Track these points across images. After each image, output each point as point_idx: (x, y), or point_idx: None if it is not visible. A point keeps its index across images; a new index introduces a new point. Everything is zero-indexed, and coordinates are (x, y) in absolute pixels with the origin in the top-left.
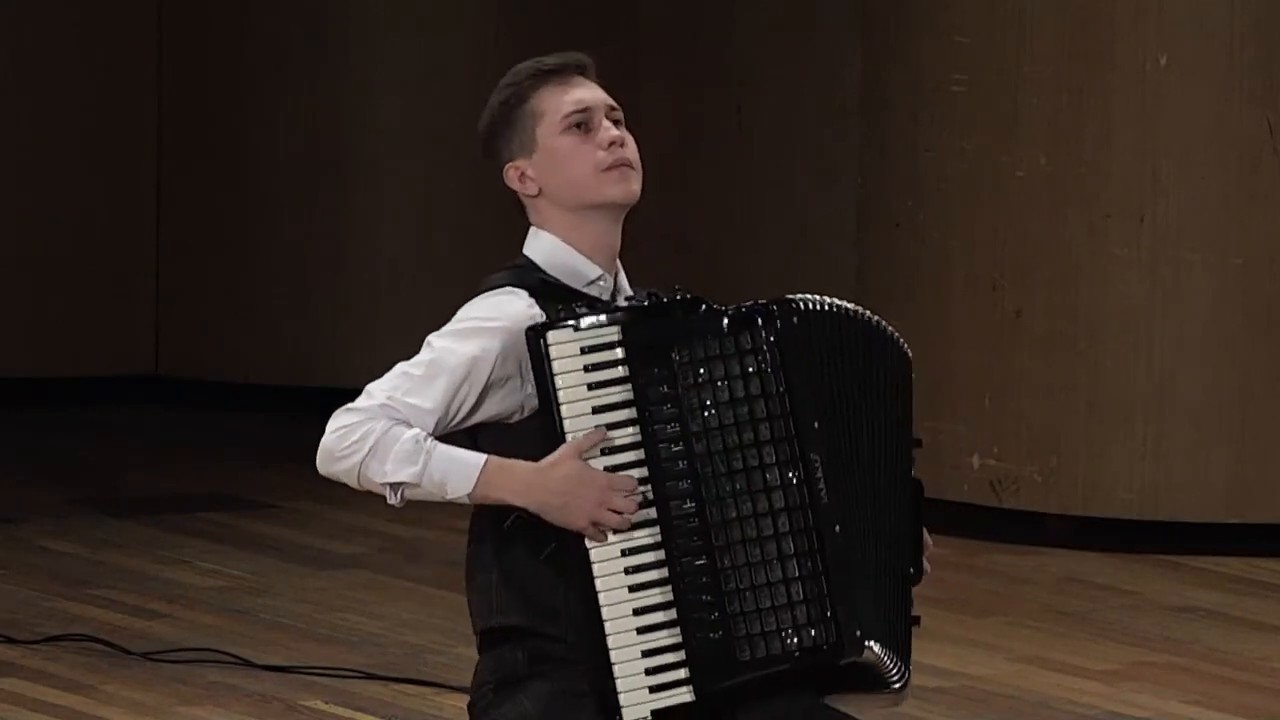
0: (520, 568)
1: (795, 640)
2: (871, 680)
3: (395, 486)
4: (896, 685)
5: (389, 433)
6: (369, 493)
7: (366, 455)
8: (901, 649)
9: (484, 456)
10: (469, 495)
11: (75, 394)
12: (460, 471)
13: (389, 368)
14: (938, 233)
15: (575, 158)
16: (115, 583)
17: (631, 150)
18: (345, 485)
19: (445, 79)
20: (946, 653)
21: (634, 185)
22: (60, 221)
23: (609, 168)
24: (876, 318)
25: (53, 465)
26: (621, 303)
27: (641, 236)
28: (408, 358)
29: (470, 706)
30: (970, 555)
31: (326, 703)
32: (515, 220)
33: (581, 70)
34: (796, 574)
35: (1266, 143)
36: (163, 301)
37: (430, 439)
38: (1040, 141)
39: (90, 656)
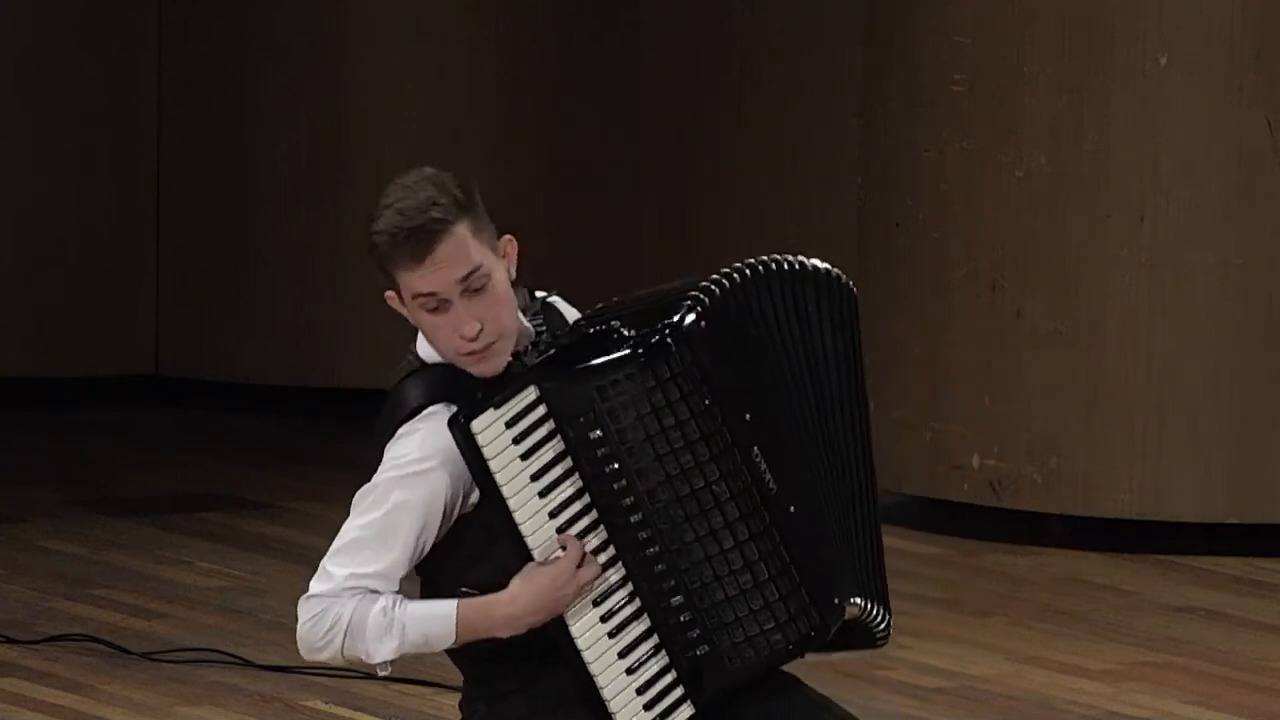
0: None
1: (780, 636)
2: (853, 634)
3: (382, 663)
4: (883, 639)
5: (356, 612)
6: None
7: (344, 641)
8: (881, 594)
9: (452, 604)
10: (454, 644)
11: (75, 394)
12: (437, 627)
13: (388, 368)
14: (938, 233)
15: (435, 334)
16: (115, 583)
17: (490, 325)
18: (345, 486)
19: (445, 80)
20: (946, 653)
21: (497, 362)
22: (60, 221)
23: (468, 354)
24: (800, 261)
25: (53, 465)
26: (530, 353)
27: (642, 237)
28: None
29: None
30: (970, 555)
31: (326, 703)
32: (512, 221)
33: (436, 236)
34: (766, 575)
35: (1266, 142)
36: (163, 301)
37: (399, 603)
38: (1040, 141)
39: (90, 656)
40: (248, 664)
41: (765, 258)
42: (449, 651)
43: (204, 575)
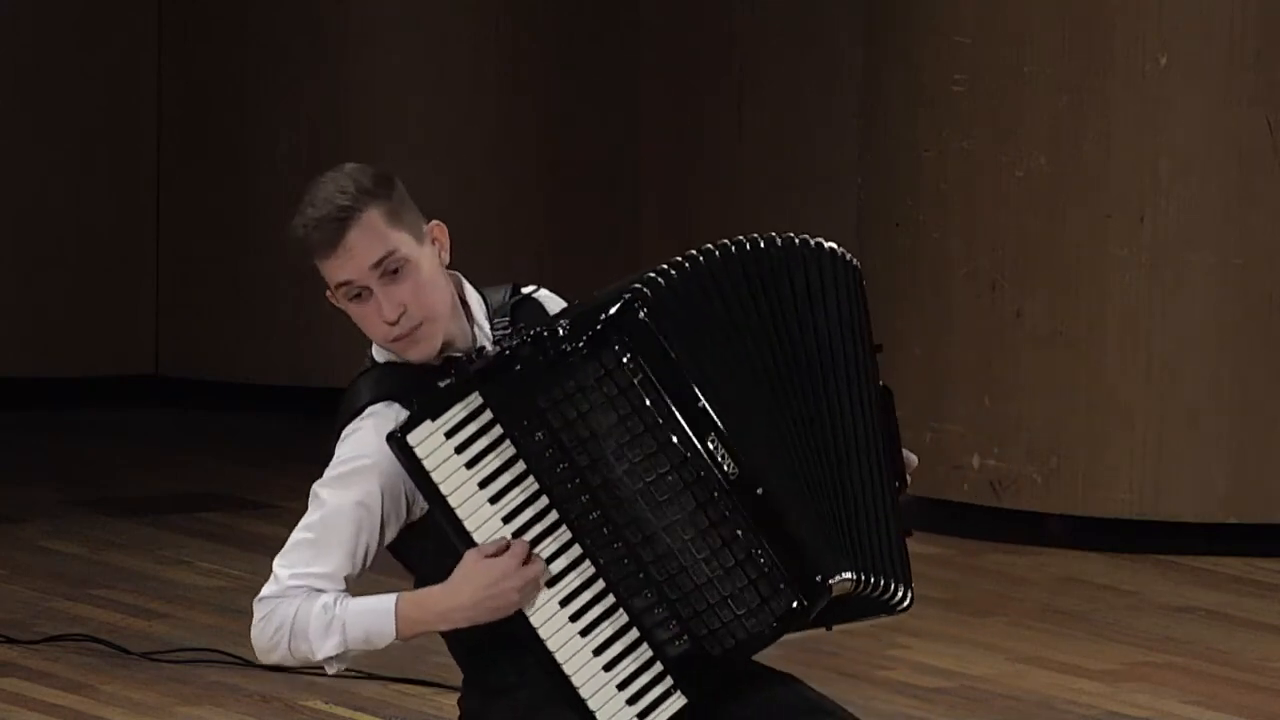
0: (470, 634)
1: (755, 620)
2: (866, 605)
3: (328, 660)
4: (902, 605)
5: (299, 612)
6: None
7: (289, 641)
8: (888, 565)
9: (392, 598)
10: (396, 640)
11: (75, 394)
12: (377, 622)
13: None
14: (938, 233)
15: (364, 323)
16: (115, 583)
17: (413, 309)
18: None
19: (445, 80)
20: (946, 653)
21: (426, 346)
22: (60, 221)
23: (395, 339)
24: (772, 237)
25: (53, 465)
26: (478, 358)
27: (642, 237)
28: None
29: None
30: (970, 555)
31: (326, 703)
32: (512, 221)
33: (344, 224)
34: (733, 561)
35: (1266, 142)
36: (163, 301)
37: (340, 600)
38: (1040, 141)
39: (90, 656)
40: (248, 664)
41: (726, 241)
42: (449, 647)
43: (204, 575)
